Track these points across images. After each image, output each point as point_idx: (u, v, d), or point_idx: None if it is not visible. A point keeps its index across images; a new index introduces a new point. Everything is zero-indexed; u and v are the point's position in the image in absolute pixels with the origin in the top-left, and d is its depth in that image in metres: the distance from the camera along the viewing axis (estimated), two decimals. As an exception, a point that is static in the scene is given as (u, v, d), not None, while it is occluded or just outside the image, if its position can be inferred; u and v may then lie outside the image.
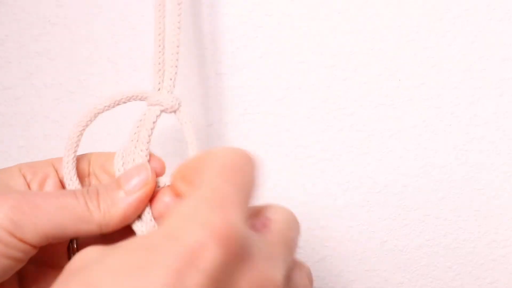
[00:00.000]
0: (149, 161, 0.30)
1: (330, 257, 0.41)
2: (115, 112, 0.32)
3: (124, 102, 0.32)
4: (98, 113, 0.31)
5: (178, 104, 0.32)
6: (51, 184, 0.31)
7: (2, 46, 0.40)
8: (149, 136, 0.31)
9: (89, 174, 0.32)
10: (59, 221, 0.27)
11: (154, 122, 0.31)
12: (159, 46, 0.32)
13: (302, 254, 0.41)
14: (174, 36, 0.32)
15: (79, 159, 0.32)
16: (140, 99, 0.32)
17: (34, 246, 0.27)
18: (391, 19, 0.39)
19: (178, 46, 0.32)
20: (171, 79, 0.32)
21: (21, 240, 0.26)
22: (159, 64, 0.32)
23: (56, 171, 0.31)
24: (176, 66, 0.32)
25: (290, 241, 0.25)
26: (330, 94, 0.39)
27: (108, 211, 0.28)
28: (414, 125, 0.39)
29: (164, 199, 0.29)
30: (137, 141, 0.31)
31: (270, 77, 0.39)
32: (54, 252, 0.31)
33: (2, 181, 0.29)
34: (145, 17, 0.39)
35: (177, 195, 0.28)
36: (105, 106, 0.31)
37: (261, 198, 0.41)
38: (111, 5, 0.39)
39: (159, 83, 0.32)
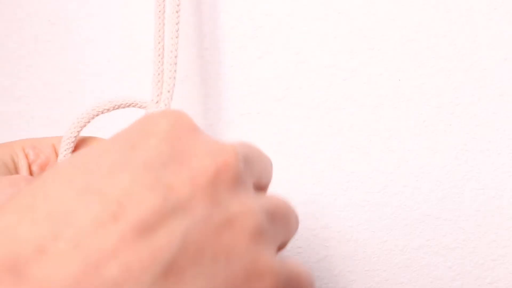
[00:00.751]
0: None
1: (330, 257, 0.41)
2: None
3: (123, 108, 0.32)
4: (96, 115, 0.31)
5: None
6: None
7: (2, 46, 0.40)
8: None
9: None
10: None
11: None
12: (159, 55, 0.33)
13: (302, 254, 0.41)
14: (172, 45, 0.33)
15: (83, 142, 0.32)
16: (139, 107, 0.32)
17: None
18: (391, 19, 0.39)
19: (176, 57, 0.33)
20: (168, 91, 0.32)
21: None
22: (158, 74, 0.33)
23: (56, 155, 0.32)
24: (174, 78, 0.32)
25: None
26: (330, 94, 0.39)
27: None
28: (414, 125, 0.39)
29: None
30: None
31: (270, 77, 0.39)
32: None
33: (7, 155, 0.30)
34: (145, 17, 0.39)
35: None
36: (104, 109, 0.31)
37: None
38: (111, 5, 0.39)
39: (157, 95, 0.32)
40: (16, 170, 0.30)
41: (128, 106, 0.32)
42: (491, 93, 0.39)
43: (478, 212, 0.40)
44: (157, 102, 0.32)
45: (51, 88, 0.40)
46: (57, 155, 0.32)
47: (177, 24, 0.33)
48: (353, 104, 0.39)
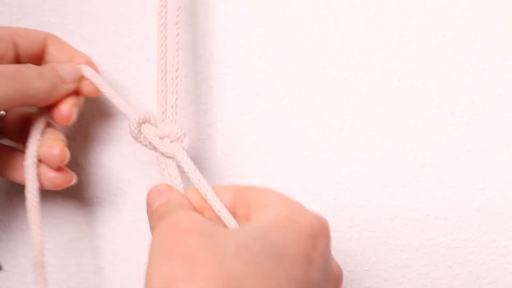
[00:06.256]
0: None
1: (330, 257, 0.41)
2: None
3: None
4: None
5: (183, 134, 0.33)
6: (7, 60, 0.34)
7: (2, 46, 0.40)
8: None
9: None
10: (10, 95, 0.31)
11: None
12: (162, 71, 0.33)
13: (302, 254, 0.41)
14: (173, 58, 0.33)
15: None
16: (152, 124, 0.33)
17: None
18: (391, 19, 0.39)
19: (177, 70, 0.33)
20: (172, 107, 0.33)
21: None
22: (162, 91, 0.33)
23: (17, 47, 0.34)
24: (176, 92, 0.33)
25: None
26: (330, 94, 0.39)
27: (51, 90, 0.33)
28: (414, 125, 0.39)
29: None
30: None
31: (270, 77, 0.39)
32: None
33: None
34: (145, 17, 0.39)
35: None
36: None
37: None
38: (111, 5, 0.39)
39: (162, 113, 0.33)
40: None
41: (144, 122, 0.33)
42: (491, 93, 0.39)
43: (478, 212, 0.40)
44: (163, 120, 0.33)
45: (51, 88, 0.40)
46: (17, 48, 0.34)
47: (177, 36, 0.33)
48: (353, 104, 0.39)
